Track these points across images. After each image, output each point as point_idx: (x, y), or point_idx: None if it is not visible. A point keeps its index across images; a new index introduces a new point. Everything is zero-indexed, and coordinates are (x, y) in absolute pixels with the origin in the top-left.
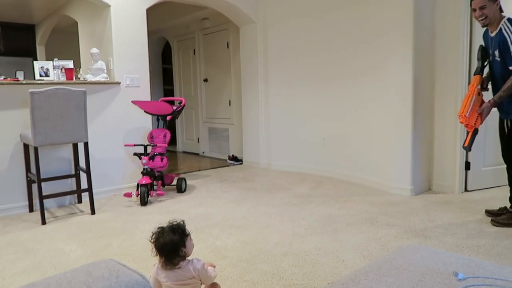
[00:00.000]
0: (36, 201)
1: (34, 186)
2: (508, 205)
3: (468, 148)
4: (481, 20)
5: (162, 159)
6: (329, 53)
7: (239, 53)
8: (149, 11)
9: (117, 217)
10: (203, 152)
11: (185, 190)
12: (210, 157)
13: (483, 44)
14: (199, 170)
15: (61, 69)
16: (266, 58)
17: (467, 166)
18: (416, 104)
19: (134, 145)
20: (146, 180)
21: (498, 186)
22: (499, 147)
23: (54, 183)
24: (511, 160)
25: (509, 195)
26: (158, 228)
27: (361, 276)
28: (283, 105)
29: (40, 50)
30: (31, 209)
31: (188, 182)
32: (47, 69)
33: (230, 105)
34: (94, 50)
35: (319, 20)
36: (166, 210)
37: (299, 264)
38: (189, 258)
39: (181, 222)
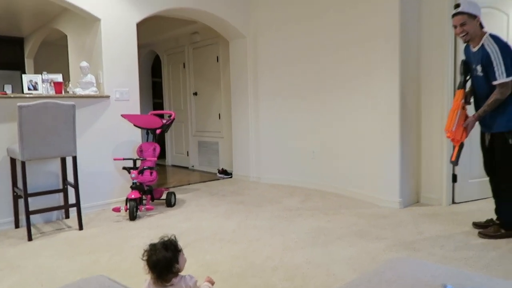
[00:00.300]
0: (22, 217)
1: (21, 201)
2: (495, 217)
3: (455, 163)
4: (462, 36)
5: (151, 173)
6: (318, 66)
7: (229, 67)
8: (139, 25)
9: (106, 232)
10: (193, 166)
11: (174, 204)
12: (200, 170)
13: (465, 59)
14: (189, 184)
15: (50, 83)
16: (256, 71)
17: (454, 178)
18: (403, 117)
19: (123, 159)
20: (135, 195)
21: (485, 198)
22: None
23: (41, 198)
24: (493, 172)
25: (495, 206)
26: (149, 245)
27: None
28: (273, 118)
29: (28, 63)
30: (17, 225)
31: (177, 196)
32: (36, 83)
33: (220, 118)
34: (84, 63)
35: (308, 34)
36: (156, 224)
37: (289, 278)
38: (182, 273)
39: (173, 238)
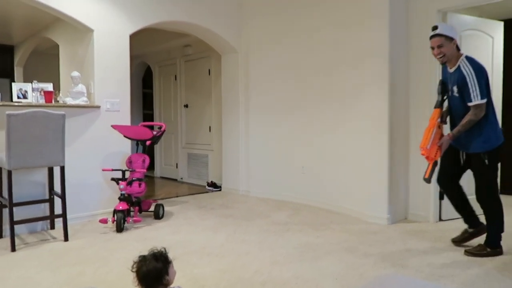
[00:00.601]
0: (6, 227)
1: (5, 211)
2: (466, 226)
3: (428, 180)
4: (439, 58)
5: (140, 184)
6: (308, 83)
7: (220, 80)
8: (132, 36)
9: (92, 244)
10: (182, 178)
11: (162, 216)
12: (189, 183)
13: (442, 79)
14: (177, 196)
15: (40, 92)
16: (247, 86)
17: (441, 196)
18: (392, 134)
19: (112, 169)
20: (123, 206)
21: None
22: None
23: (27, 208)
24: (449, 187)
25: (463, 218)
26: (139, 257)
27: None
28: (263, 132)
29: (18, 71)
30: (0, 235)
31: (165, 209)
32: (26, 91)
33: (210, 131)
34: (75, 73)
35: (299, 51)
36: (143, 237)
37: None
38: (171, 286)
39: (163, 249)
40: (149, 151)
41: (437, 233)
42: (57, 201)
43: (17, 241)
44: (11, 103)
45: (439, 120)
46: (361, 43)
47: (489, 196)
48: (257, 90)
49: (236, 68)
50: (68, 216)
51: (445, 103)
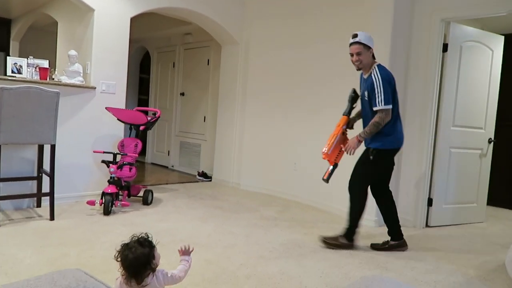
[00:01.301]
0: None
1: None
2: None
3: (326, 181)
4: (356, 64)
5: (130, 169)
6: (306, 82)
7: (219, 71)
8: (133, 19)
9: (78, 225)
10: (173, 166)
11: (151, 202)
12: (179, 171)
13: (354, 88)
14: (167, 184)
15: (35, 68)
16: (246, 79)
17: (430, 202)
18: None
19: (104, 152)
20: (112, 189)
21: (457, 224)
22: (461, 185)
23: (14, 184)
24: (380, 195)
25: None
26: (122, 245)
27: None
28: (258, 126)
29: (14, 46)
30: None
31: (155, 195)
32: (21, 66)
33: (205, 121)
34: (72, 52)
35: (299, 51)
36: (130, 222)
37: (262, 287)
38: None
39: (145, 235)
40: (142, 136)
41: (423, 238)
42: (45, 180)
43: (1, 216)
44: (5, 77)
45: (344, 127)
46: None
47: (359, 190)
48: (256, 83)
49: (235, 60)
50: (55, 196)
51: (354, 111)
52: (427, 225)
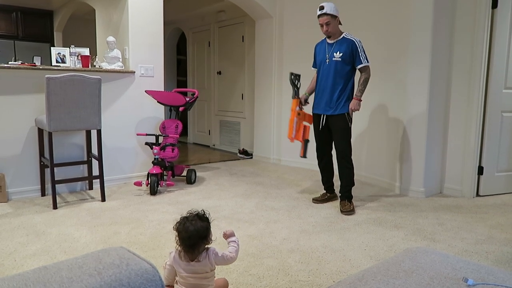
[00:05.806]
0: (48, 186)
1: (47, 171)
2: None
3: (304, 156)
4: (326, 33)
5: (173, 149)
6: None
7: (254, 47)
8: (166, 1)
9: (127, 205)
10: (214, 145)
11: (194, 181)
12: (221, 149)
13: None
14: (209, 163)
15: (77, 56)
16: (281, 53)
17: (480, 170)
18: (431, 106)
19: (146, 134)
20: (156, 170)
21: (511, 193)
22: None
23: (67, 168)
24: (325, 153)
25: (328, 183)
26: (181, 218)
27: (368, 277)
28: None
29: (57, 36)
30: (43, 193)
31: (198, 174)
32: (64, 56)
33: (242, 98)
34: (110, 38)
35: None
36: (175, 200)
37: (305, 261)
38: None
39: (202, 211)
40: (182, 117)
41: (473, 208)
42: (95, 163)
43: (58, 199)
44: (51, 67)
45: (297, 108)
46: (402, 17)
47: (351, 154)
48: (291, 57)
49: (270, 34)
50: (105, 178)
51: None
52: (477, 195)
